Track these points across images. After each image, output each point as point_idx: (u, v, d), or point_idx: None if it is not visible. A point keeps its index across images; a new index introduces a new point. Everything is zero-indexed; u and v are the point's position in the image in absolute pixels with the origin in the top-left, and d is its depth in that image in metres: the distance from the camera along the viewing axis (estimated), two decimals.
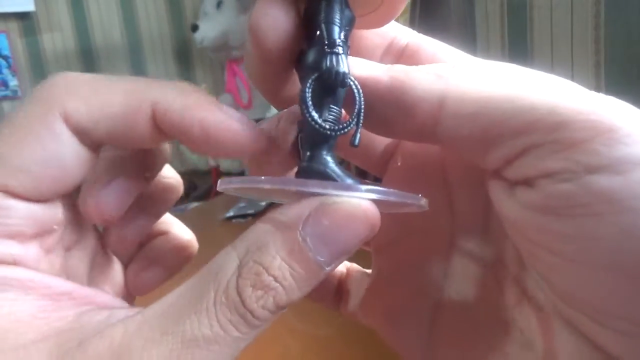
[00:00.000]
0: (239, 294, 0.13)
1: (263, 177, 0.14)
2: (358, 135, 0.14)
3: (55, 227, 0.16)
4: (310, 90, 0.14)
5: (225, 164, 1.37)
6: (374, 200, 0.14)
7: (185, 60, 1.61)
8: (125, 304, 0.16)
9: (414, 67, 0.15)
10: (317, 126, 0.14)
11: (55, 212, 0.16)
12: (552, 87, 0.14)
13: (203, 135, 0.15)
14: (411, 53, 0.18)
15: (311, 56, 0.15)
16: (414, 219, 0.18)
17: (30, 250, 0.16)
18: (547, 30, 0.83)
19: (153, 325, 0.14)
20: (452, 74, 0.14)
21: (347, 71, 0.14)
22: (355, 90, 0.15)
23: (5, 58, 1.36)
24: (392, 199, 0.14)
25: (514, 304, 0.17)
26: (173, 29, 1.58)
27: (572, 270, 0.13)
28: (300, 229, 0.14)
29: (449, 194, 0.19)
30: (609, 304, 0.13)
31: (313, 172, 0.14)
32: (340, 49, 0.14)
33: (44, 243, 0.16)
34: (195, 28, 1.34)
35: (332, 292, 0.22)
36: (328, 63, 0.14)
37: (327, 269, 0.14)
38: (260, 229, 0.14)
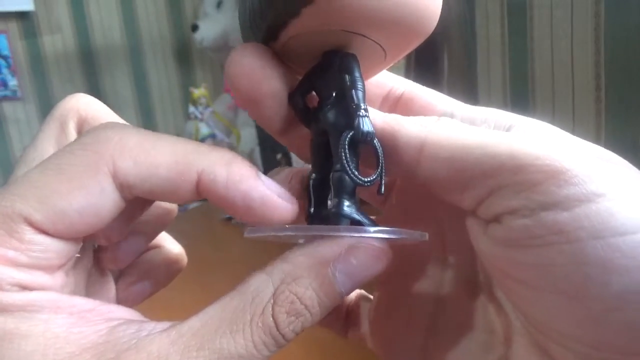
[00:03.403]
0: (274, 319, 0.15)
1: (309, 225, 0.17)
2: (383, 186, 0.17)
3: (77, 255, 0.17)
4: (347, 147, 0.16)
5: None
6: (387, 238, 0.17)
7: (185, 60, 1.61)
8: (144, 317, 0.17)
9: (404, 116, 0.18)
10: (356, 180, 0.16)
11: (79, 243, 0.17)
12: (517, 135, 0.16)
13: (244, 207, 0.16)
14: (406, 101, 0.21)
15: (334, 115, 0.17)
16: (411, 251, 0.20)
17: (56, 278, 0.17)
18: (547, 30, 0.83)
19: (189, 341, 0.15)
20: (433, 124, 0.17)
21: (373, 131, 0.17)
22: (378, 147, 0.17)
23: (5, 58, 1.35)
24: (404, 237, 0.17)
25: (501, 328, 0.18)
26: (173, 29, 1.58)
27: (536, 297, 0.15)
28: (331, 266, 0.16)
29: (440, 227, 0.20)
30: (567, 327, 0.15)
31: (342, 217, 0.17)
32: (367, 112, 0.17)
33: (65, 268, 0.17)
34: (195, 28, 1.34)
35: (342, 319, 0.24)
36: (362, 126, 0.16)
37: (344, 296, 0.17)
38: (296, 262, 0.16)
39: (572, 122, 0.82)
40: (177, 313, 0.17)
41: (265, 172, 0.18)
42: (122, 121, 0.21)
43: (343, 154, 0.16)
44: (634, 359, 0.14)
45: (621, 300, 0.13)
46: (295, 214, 0.17)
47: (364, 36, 0.16)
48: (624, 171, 0.15)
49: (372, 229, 0.17)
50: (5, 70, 1.36)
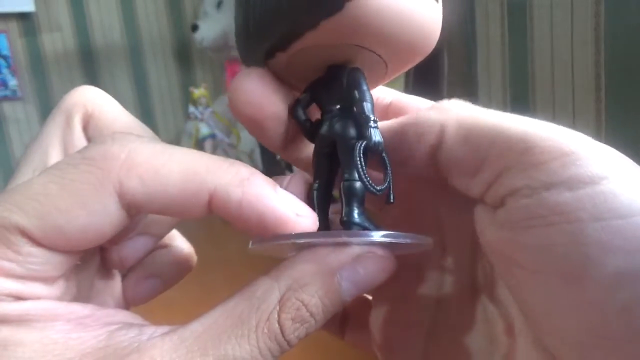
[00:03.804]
0: (280, 326, 0.15)
1: (315, 232, 0.17)
2: (392, 195, 0.17)
3: (78, 262, 0.17)
4: (361, 156, 0.17)
5: None
6: (397, 243, 0.17)
7: (185, 60, 1.61)
8: (143, 321, 0.17)
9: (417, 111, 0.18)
10: (372, 188, 0.17)
11: (79, 254, 0.17)
12: (530, 119, 0.16)
13: (260, 228, 0.16)
14: (397, 109, 0.21)
15: (341, 126, 0.18)
16: (410, 255, 0.20)
17: (55, 286, 0.16)
18: (547, 30, 0.83)
19: (192, 345, 0.15)
20: (450, 107, 0.17)
21: (383, 142, 0.17)
22: (385, 156, 0.17)
23: (5, 58, 1.35)
24: (409, 241, 0.17)
25: (502, 330, 0.18)
26: (173, 29, 1.58)
27: (536, 282, 0.15)
28: (338, 274, 0.16)
29: (440, 230, 0.20)
30: (565, 314, 0.14)
31: (353, 224, 0.17)
32: (376, 124, 0.17)
33: (65, 275, 0.17)
34: (195, 28, 1.34)
35: (338, 321, 0.24)
36: (374, 136, 0.17)
37: (347, 302, 0.17)
38: (303, 269, 0.16)
39: (572, 122, 0.82)
40: (176, 312, 0.17)
41: (265, 173, 0.18)
42: (126, 113, 0.21)
43: (359, 163, 0.17)
44: (628, 345, 0.14)
45: (618, 282, 0.13)
46: (313, 228, 0.17)
47: (372, 51, 0.17)
48: (625, 159, 0.15)
49: (378, 234, 0.16)
50: (5, 70, 1.36)
